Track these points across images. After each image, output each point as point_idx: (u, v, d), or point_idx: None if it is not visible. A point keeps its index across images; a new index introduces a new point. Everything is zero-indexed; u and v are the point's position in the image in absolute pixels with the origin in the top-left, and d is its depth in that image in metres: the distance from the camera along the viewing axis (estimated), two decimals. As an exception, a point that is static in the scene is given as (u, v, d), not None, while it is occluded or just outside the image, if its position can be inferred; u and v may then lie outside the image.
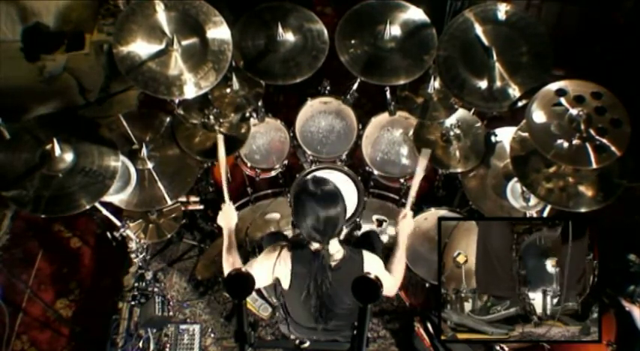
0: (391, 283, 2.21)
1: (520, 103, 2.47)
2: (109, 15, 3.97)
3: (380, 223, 3.07)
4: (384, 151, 2.98)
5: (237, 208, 3.05)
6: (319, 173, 2.80)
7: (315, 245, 2.02)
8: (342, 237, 2.09)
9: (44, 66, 3.70)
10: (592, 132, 2.14)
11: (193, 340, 2.99)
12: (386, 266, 2.21)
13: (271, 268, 2.07)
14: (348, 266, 2.04)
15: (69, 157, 2.28)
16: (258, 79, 2.72)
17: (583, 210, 2.28)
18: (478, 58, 2.51)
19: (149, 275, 2.91)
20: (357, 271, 2.03)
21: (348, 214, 2.71)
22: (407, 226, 2.34)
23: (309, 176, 2.44)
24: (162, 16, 2.44)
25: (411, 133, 2.86)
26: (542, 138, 2.18)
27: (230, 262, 2.23)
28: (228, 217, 2.33)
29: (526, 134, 2.34)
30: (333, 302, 2.07)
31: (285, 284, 2.08)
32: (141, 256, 2.80)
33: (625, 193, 2.27)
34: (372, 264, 2.10)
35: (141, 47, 2.41)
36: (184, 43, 2.45)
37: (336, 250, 2.05)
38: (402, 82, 2.66)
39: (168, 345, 2.96)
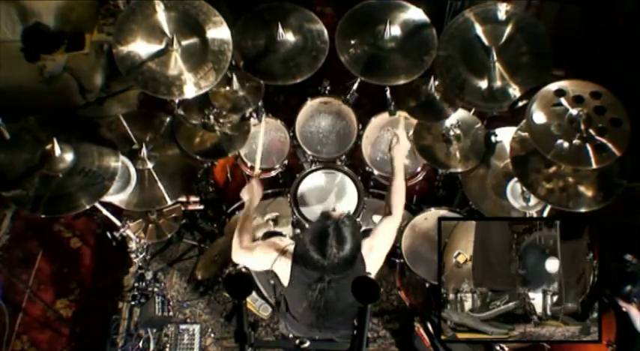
0: (392, 225, 2.18)
1: (520, 103, 2.47)
2: (109, 15, 3.97)
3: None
4: (384, 151, 2.98)
5: (237, 208, 3.07)
6: (319, 173, 2.80)
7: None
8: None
9: (44, 66, 3.69)
10: (592, 132, 2.14)
11: (193, 340, 2.99)
12: (385, 202, 2.23)
13: (271, 263, 2.09)
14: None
15: (69, 157, 2.28)
16: (258, 79, 2.72)
17: (583, 210, 2.28)
18: (478, 58, 2.51)
19: (149, 275, 2.91)
20: (358, 275, 2.01)
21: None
22: (402, 147, 2.27)
23: (331, 230, 1.89)
24: (162, 16, 2.44)
25: (411, 133, 2.86)
26: (542, 138, 2.18)
27: (242, 233, 2.22)
28: (253, 191, 2.38)
29: (526, 134, 2.34)
30: (332, 307, 2.06)
31: (285, 282, 2.09)
32: (141, 256, 2.80)
33: (625, 193, 2.27)
34: (370, 262, 2.07)
35: (141, 47, 2.41)
36: (184, 43, 2.45)
37: None
38: (402, 82, 2.65)
39: (168, 345, 2.96)
